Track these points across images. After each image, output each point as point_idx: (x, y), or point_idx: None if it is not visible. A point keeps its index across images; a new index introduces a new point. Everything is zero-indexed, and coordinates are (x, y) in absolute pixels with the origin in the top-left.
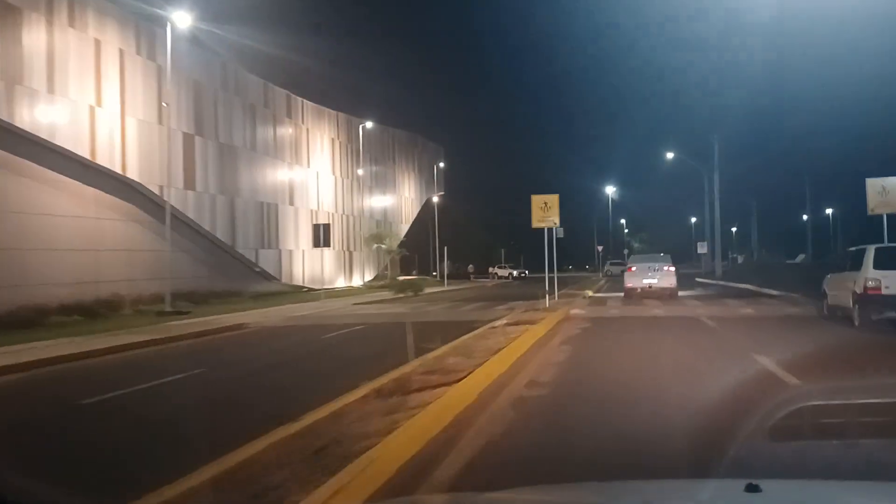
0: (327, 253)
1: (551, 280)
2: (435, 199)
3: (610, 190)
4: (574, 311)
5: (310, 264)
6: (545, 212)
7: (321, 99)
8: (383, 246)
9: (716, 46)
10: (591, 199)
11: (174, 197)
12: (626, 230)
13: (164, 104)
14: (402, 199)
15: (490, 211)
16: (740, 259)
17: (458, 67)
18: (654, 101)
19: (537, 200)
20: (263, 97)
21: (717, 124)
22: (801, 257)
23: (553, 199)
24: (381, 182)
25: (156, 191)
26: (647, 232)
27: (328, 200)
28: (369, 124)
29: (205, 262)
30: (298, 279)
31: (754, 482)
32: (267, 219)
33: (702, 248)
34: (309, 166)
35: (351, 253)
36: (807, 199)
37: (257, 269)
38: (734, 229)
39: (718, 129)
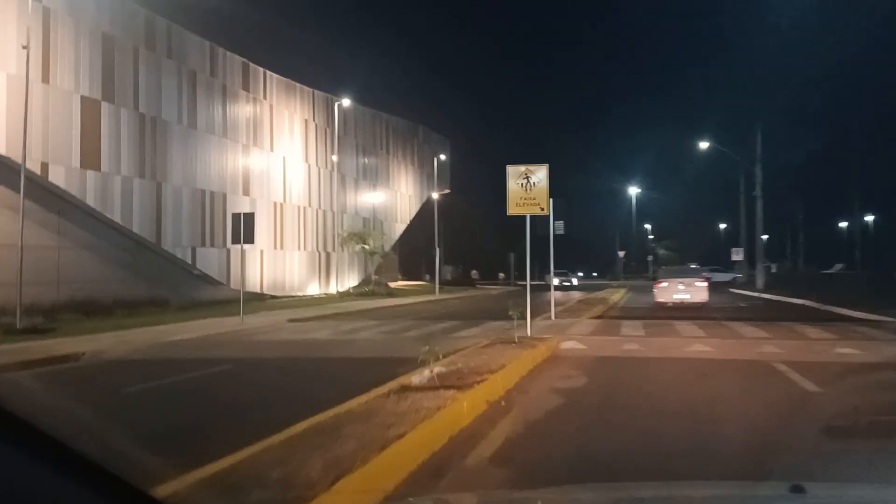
0: (297, 255)
1: (545, 293)
2: (434, 195)
3: (633, 191)
4: (567, 345)
5: (271, 267)
6: (527, 192)
7: (305, 78)
8: (366, 247)
9: (752, 31)
10: (614, 202)
11: (64, 177)
12: (650, 236)
13: (22, 46)
14: (397, 196)
15: (503, 211)
16: (773, 268)
17: (470, 55)
18: (684, 98)
19: (516, 173)
20: (209, 63)
21: (757, 112)
22: (838, 267)
23: (540, 173)
24: (372, 175)
25: (36, 169)
26: (674, 238)
27: (298, 192)
28: (347, 102)
29: (116, 263)
30: (255, 284)
31: (799, 483)
32: (211, 211)
33: (736, 255)
34: (273, 150)
35: (328, 254)
36: (854, 203)
37: (196, 272)
38: (765, 237)
39: (759, 121)
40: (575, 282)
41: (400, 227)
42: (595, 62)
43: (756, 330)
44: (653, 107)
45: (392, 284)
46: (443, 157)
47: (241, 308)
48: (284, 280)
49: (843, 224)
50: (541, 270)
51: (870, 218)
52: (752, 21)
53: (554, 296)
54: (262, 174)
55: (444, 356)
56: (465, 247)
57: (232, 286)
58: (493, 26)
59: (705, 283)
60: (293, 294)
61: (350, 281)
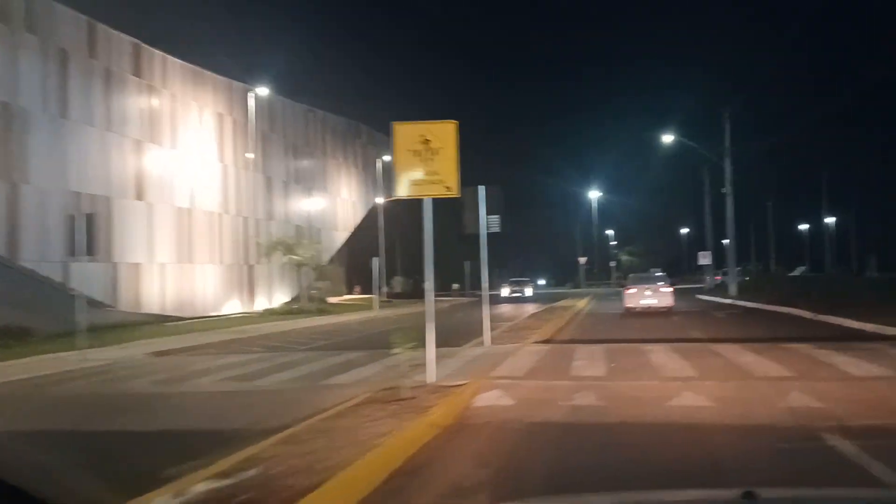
0: (210, 269)
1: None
2: (378, 200)
3: (594, 195)
4: (485, 399)
5: (176, 284)
6: (427, 164)
7: (227, 70)
8: (295, 258)
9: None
10: (576, 207)
11: None
12: (613, 242)
13: None
14: (337, 201)
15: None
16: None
17: (422, 52)
18: (647, 94)
19: (408, 136)
20: (87, 42)
21: (723, 98)
22: (800, 269)
23: (445, 134)
24: (306, 178)
25: None
26: (637, 244)
27: (212, 196)
28: (265, 92)
29: None
30: (154, 304)
31: (751, 489)
32: (89, 219)
33: (704, 259)
34: (175, 148)
35: (252, 268)
36: (817, 203)
37: (73, 293)
38: (725, 241)
39: (726, 107)
40: (529, 291)
41: (341, 236)
42: (553, 57)
43: (761, 360)
44: (615, 104)
45: (333, 299)
46: (388, 158)
47: (138, 333)
48: (194, 298)
49: (804, 226)
50: (502, 279)
51: (830, 220)
52: (715, 9)
53: (501, 310)
54: (163, 175)
55: (259, 437)
56: (421, 256)
57: (123, 307)
58: (447, 20)
59: (671, 289)
60: (206, 315)
61: (282, 296)
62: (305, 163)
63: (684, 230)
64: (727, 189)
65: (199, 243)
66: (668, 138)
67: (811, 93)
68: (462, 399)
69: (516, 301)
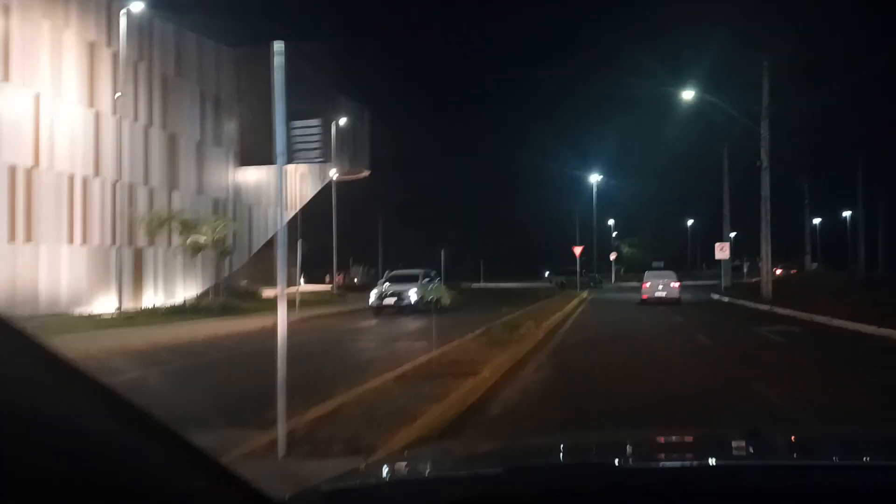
0: (65, 251)
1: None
2: (332, 173)
3: (595, 178)
4: None
5: (7, 269)
6: None
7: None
8: (201, 240)
9: None
10: (577, 196)
11: None
12: (614, 233)
13: None
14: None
15: (442, 197)
16: (745, 268)
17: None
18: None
19: None
20: None
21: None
22: (812, 266)
23: None
24: (232, 141)
25: None
26: (638, 236)
27: (73, 153)
28: (138, 6)
29: None
30: None
31: (757, 428)
32: None
33: (721, 251)
34: (8, 80)
35: (139, 251)
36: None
37: None
38: (733, 234)
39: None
40: (413, 297)
41: (286, 215)
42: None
43: None
44: (623, 64)
45: (270, 293)
46: (343, 121)
47: None
48: (38, 291)
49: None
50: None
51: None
52: None
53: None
54: None
55: None
56: (392, 241)
57: None
58: None
59: (678, 284)
60: (57, 313)
61: (191, 289)
62: (233, 121)
63: (690, 221)
64: (763, 161)
65: (45, 216)
66: (687, 95)
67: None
68: None
69: (389, 317)
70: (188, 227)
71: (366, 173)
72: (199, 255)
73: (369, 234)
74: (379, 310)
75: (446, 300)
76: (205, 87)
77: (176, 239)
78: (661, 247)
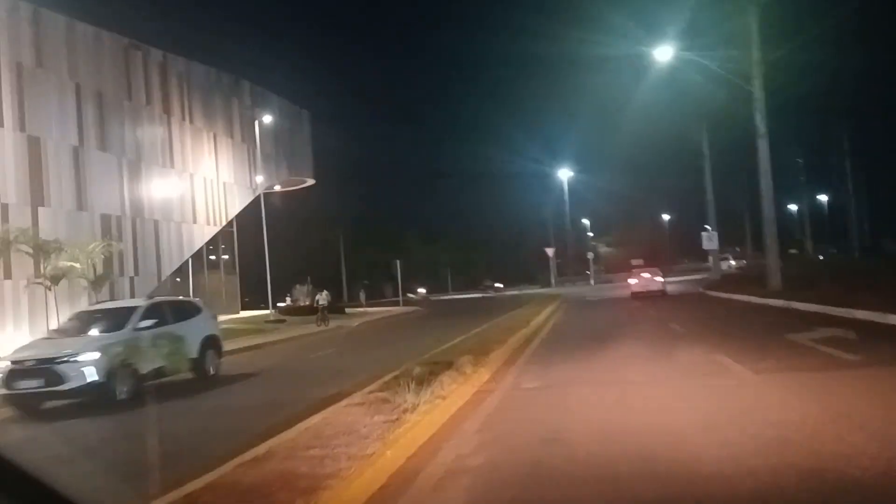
0: None
1: None
2: (259, 179)
3: (565, 174)
4: None
5: None
6: None
7: None
8: (62, 265)
9: None
10: (547, 195)
11: None
12: (590, 233)
13: None
14: (197, 183)
15: (398, 206)
16: (731, 260)
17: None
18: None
19: None
20: None
21: None
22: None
23: None
24: (134, 149)
25: None
26: (614, 234)
27: None
28: None
29: None
30: None
31: None
32: None
33: (709, 241)
34: None
35: None
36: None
37: None
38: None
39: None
40: (89, 369)
41: (208, 231)
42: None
43: None
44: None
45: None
46: (267, 119)
47: None
48: None
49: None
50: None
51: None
52: None
53: None
54: None
55: None
56: (329, 257)
57: None
58: None
59: (662, 279)
60: None
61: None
62: (128, 125)
63: (666, 216)
64: (759, 127)
65: None
66: (662, 55)
67: None
68: None
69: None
70: (44, 250)
71: (308, 182)
72: (78, 286)
73: (328, 252)
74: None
75: (185, 366)
76: (81, 80)
77: (32, 267)
78: (639, 244)
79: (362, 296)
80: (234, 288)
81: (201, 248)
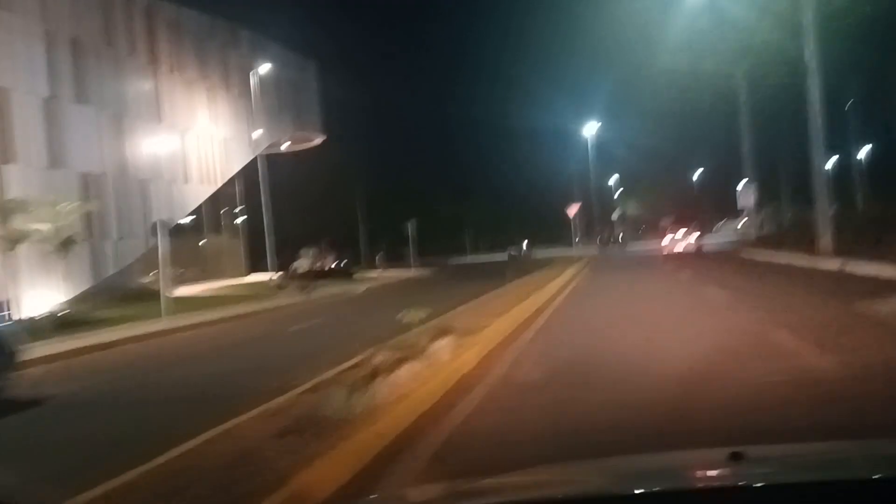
0: None
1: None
2: (255, 135)
3: (590, 131)
4: None
5: None
6: None
7: None
8: (34, 228)
9: None
10: (573, 150)
11: None
12: (616, 194)
13: None
14: (189, 139)
15: (413, 167)
16: (762, 216)
17: None
18: None
19: None
20: None
21: None
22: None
23: None
24: (117, 101)
25: None
26: (640, 194)
27: None
28: None
29: None
30: None
31: (738, 450)
32: None
33: (745, 196)
34: None
35: None
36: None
37: None
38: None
39: None
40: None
41: (203, 191)
42: None
43: None
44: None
45: (191, 290)
46: (264, 69)
47: None
48: None
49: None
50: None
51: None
52: None
53: None
54: None
55: None
56: (349, 218)
57: None
58: None
59: (696, 235)
60: None
61: (70, 289)
62: (109, 75)
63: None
64: (810, 58)
65: None
66: None
67: None
68: None
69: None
70: (3, 209)
71: (318, 140)
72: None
73: (346, 213)
74: None
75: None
76: (52, 25)
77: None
78: (668, 203)
79: (379, 259)
80: (237, 250)
81: (199, 209)
